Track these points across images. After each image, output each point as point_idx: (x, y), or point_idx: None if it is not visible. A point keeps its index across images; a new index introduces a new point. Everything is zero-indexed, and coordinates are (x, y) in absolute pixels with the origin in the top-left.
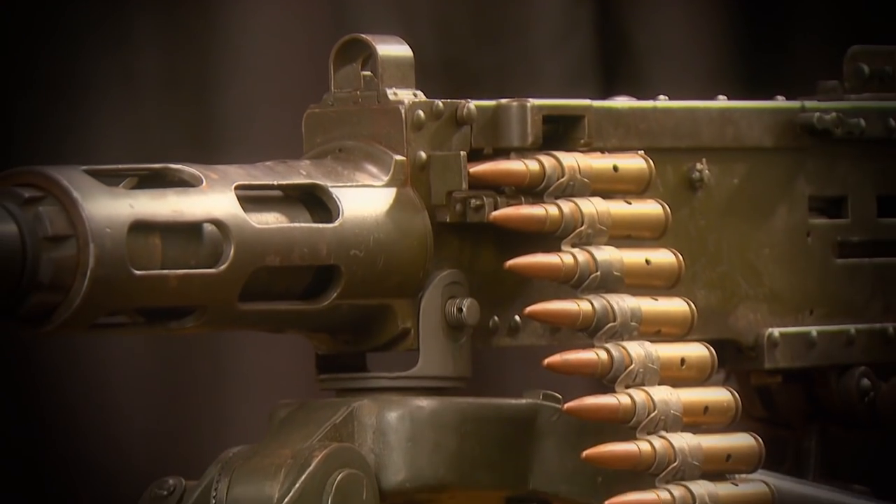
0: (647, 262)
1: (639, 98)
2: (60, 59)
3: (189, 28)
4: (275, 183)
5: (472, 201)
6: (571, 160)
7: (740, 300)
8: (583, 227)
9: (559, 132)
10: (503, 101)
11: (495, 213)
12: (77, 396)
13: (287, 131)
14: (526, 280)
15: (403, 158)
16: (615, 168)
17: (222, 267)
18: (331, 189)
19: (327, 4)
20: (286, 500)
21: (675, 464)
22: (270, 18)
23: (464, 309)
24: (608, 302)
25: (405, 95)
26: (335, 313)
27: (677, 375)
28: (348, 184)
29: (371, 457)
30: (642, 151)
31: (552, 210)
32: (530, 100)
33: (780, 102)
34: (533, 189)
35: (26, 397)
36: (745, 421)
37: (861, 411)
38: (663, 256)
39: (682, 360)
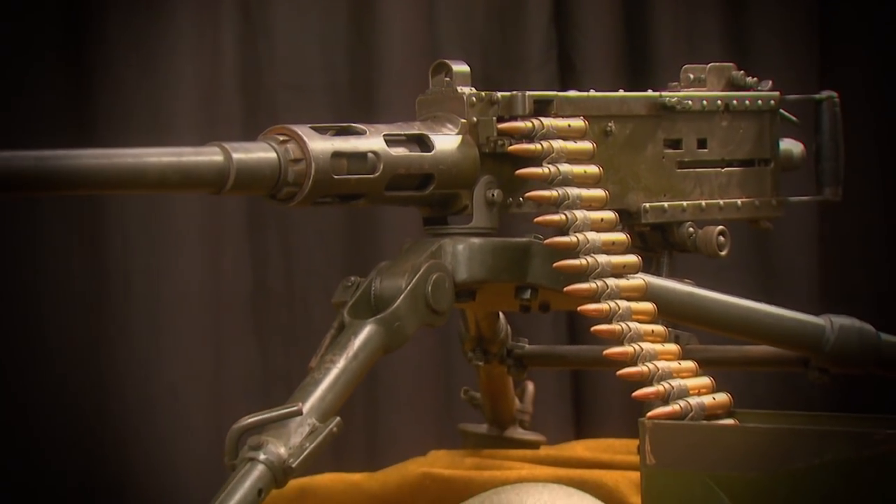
0: (585, 171)
1: (580, 91)
2: (273, 69)
3: (356, 53)
4: (402, 132)
5: (499, 142)
6: (548, 121)
7: (629, 190)
8: (553, 154)
9: (541, 109)
10: (514, 92)
11: (511, 147)
12: (297, 242)
13: (409, 108)
14: (525, 180)
15: (465, 121)
16: (569, 125)
17: (377, 174)
18: (430, 135)
19: (429, 46)
20: (408, 287)
21: (598, 269)
22: (404, 53)
23: (495, 195)
24: (566, 191)
25: (466, 90)
26: (432, 197)
27: (599, 227)
28: (438, 133)
29: (450, 267)
30: (582, 117)
31: (538, 146)
32: (527, 92)
33: (650, 93)
34: (529, 135)
35: (250, 250)
36: (632, 249)
37: (688, 244)
38: (593, 168)
39: (602, 219)
